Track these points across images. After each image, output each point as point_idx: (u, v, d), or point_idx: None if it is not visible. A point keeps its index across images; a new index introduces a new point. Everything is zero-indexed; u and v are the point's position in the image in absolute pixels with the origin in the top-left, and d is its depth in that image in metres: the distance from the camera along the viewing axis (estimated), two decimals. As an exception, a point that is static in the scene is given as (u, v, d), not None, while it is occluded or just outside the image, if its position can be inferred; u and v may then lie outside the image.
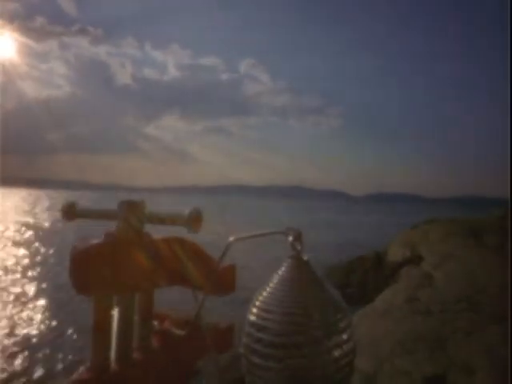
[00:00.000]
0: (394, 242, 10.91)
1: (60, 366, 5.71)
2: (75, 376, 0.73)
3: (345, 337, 0.61)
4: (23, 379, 5.30)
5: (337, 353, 0.59)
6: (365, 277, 9.60)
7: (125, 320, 0.78)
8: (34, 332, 7.05)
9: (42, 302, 8.88)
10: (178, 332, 0.87)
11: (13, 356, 5.95)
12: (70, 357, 5.92)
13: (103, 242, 0.75)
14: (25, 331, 7.04)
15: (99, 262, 0.72)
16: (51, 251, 15.31)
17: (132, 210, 0.79)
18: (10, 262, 13.10)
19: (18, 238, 19.73)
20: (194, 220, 0.78)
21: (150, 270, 0.79)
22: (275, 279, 0.65)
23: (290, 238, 0.66)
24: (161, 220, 0.82)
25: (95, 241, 0.74)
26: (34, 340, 6.69)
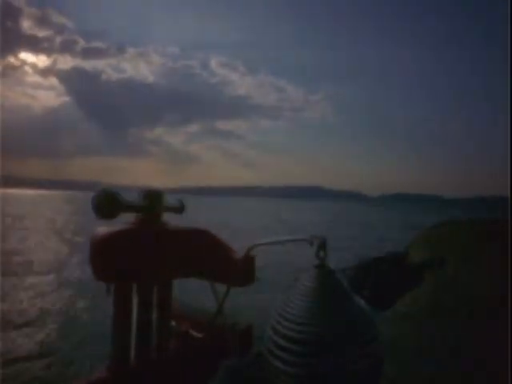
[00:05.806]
0: (413, 243, 10.77)
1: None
2: (95, 375, 0.74)
3: (371, 348, 0.59)
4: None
5: (362, 364, 0.57)
6: (382, 279, 9.49)
7: (144, 312, 0.78)
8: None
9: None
10: (197, 334, 0.87)
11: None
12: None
13: (123, 230, 0.75)
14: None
15: (118, 250, 0.73)
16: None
17: (152, 200, 0.79)
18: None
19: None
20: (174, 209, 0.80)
21: (169, 260, 0.79)
22: (299, 288, 0.63)
23: (315, 247, 0.63)
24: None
25: (115, 228, 0.75)
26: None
